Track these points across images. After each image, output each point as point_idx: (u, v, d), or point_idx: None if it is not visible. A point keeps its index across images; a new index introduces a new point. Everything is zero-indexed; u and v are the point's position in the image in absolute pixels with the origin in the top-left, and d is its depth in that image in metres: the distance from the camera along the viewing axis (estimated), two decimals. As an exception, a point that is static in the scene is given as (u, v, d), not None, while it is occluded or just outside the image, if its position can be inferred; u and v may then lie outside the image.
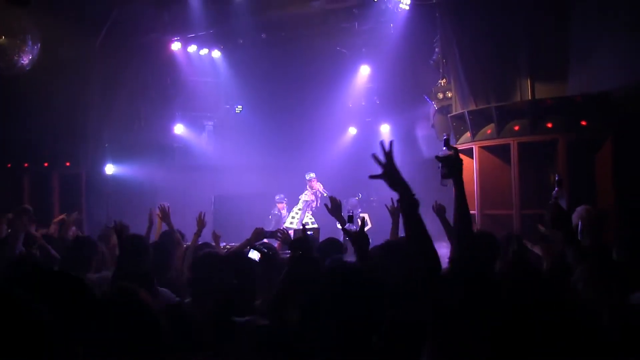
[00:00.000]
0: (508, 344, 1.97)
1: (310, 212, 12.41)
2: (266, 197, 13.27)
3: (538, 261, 4.43)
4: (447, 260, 3.09)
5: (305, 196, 12.46)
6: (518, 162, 7.30)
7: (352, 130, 13.81)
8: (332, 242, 4.79)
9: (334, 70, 12.44)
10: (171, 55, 12.41)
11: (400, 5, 10.08)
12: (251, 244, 5.26)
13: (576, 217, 4.73)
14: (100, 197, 10.94)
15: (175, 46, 12.29)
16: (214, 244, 6.29)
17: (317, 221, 11.94)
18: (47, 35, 8.79)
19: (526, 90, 7.71)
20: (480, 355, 2.05)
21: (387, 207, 4.88)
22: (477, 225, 7.52)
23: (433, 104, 9.71)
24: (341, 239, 4.91)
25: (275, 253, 4.76)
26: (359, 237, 3.42)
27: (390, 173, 2.56)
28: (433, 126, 9.96)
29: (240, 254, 4.62)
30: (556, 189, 4.18)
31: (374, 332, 2.26)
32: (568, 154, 7.02)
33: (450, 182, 3.01)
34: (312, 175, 12.34)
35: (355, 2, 10.61)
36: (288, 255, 4.06)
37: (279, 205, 12.59)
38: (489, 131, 7.74)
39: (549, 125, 7.21)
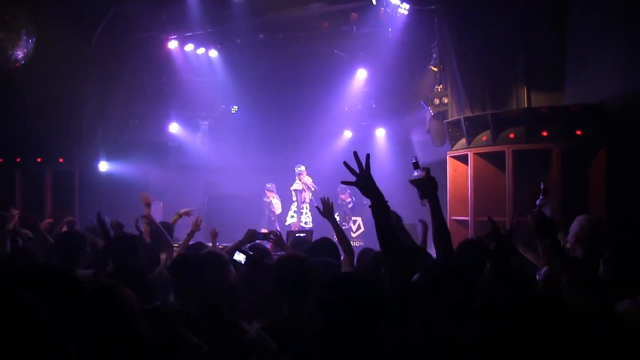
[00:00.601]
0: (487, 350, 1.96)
1: (308, 208, 12.43)
2: (260, 198, 13.27)
3: (532, 268, 4.42)
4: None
5: (296, 185, 12.52)
6: (513, 170, 7.30)
7: (348, 134, 13.81)
8: (323, 243, 4.75)
9: (331, 73, 12.45)
10: (168, 53, 12.38)
11: (399, 10, 10.09)
12: (243, 245, 5.26)
13: (576, 226, 4.72)
14: (93, 195, 10.87)
15: (172, 45, 12.26)
16: (209, 243, 6.25)
17: (315, 219, 11.99)
18: (43, 31, 8.76)
19: (522, 98, 7.72)
20: None
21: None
22: (470, 232, 7.53)
23: (429, 110, 9.71)
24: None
25: (266, 255, 4.73)
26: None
27: (364, 182, 2.77)
28: (429, 132, 9.96)
29: (222, 255, 4.58)
30: (541, 197, 4.18)
31: (370, 344, 2.27)
32: (562, 163, 7.03)
33: (427, 202, 3.13)
34: (302, 168, 12.40)
35: (354, 6, 10.61)
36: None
37: (269, 194, 12.64)
38: (484, 138, 7.75)
39: (544, 133, 7.21)
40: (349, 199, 12.30)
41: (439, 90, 9.49)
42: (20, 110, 10.41)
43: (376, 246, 3.86)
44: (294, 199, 12.72)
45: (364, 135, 13.34)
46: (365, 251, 5.00)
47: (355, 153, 2.90)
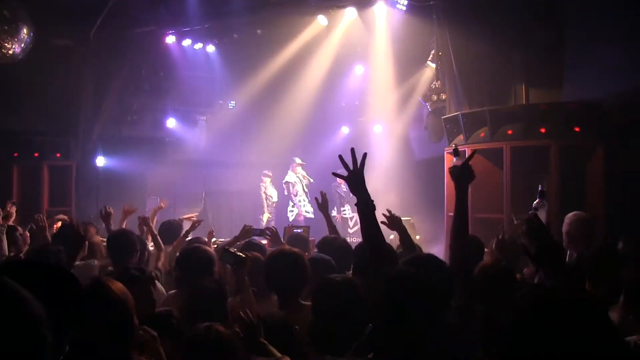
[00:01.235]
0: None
1: (308, 200, 12.43)
2: (257, 193, 13.26)
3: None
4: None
5: (289, 177, 12.54)
6: (510, 166, 7.31)
7: (345, 130, 13.79)
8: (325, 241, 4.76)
9: (329, 68, 12.41)
10: (165, 48, 12.33)
11: (397, 6, 10.06)
12: (239, 240, 5.26)
13: (566, 224, 4.73)
14: (90, 190, 10.87)
15: (170, 40, 12.21)
16: (206, 239, 6.26)
17: (316, 209, 12.01)
18: (40, 25, 8.72)
19: (520, 95, 7.73)
20: None
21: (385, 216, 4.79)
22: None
23: (427, 106, 9.71)
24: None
25: (262, 252, 4.72)
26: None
27: (355, 179, 2.91)
28: (426, 128, 9.95)
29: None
30: (538, 199, 4.14)
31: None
32: (561, 160, 7.04)
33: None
34: (297, 160, 12.41)
35: (352, 1, 10.58)
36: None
37: (264, 179, 12.66)
38: (482, 134, 7.75)
39: (543, 130, 7.22)
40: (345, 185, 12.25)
41: (437, 86, 9.49)
42: (17, 104, 10.39)
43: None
44: (286, 192, 12.71)
45: (362, 131, 13.32)
46: (360, 246, 5.00)
47: (352, 150, 3.03)
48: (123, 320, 2.39)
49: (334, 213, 11.71)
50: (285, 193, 12.72)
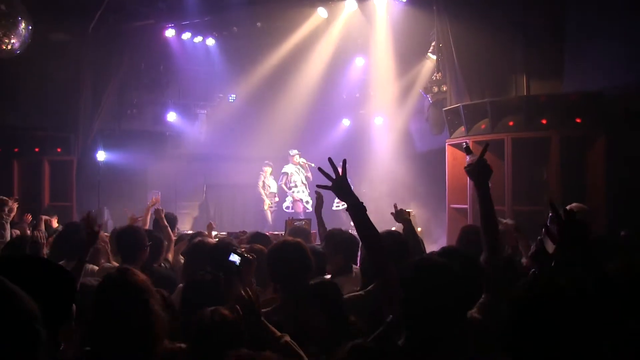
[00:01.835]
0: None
1: (308, 192, 12.41)
2: (257, 184, 13.24)
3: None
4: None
5: (287, 168, 12.53)
6: (512, 158, 7.30)
7: (346, 122, 13.77)
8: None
9: (329, 60, 12.38)
10: (165, 42, 12.31)
11: (398, -2, 10.05)
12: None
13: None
14: (91, 184, 10.87)
15: (169, 33, 12.19)
16: (206, 232, 6.27)
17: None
18: (39, 20, 8.70)
19: (521, 86, 7.72)
20: None
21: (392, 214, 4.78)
22: (469, 220, 7.54)
23: (428, 98, 9.70)
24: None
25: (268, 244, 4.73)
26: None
27: (339, 187, 2.95)
28: (427, 120, 9.95)
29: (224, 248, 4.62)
30: (547, 224, 3.96)
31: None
32: (561, 151, 7.04)
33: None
34: (292, 152, 12.40)
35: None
36: None
37: (264, 169, 12.65)
38: (483, 126, 7.74)
39: (544, 121, 7.21)
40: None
41: (438, 78, 9.47)
42: (17, 100, 10.38)
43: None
44: (281, 182, 12.68)
45: (362, 124, 13.31)
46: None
47: (329, 159, 3.05)
48: (146, 307, 2.43)
49: (340, 207, 11.72)
50: (280, 182, 12.70)
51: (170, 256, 5.28)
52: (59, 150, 10.59)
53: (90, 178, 10.92)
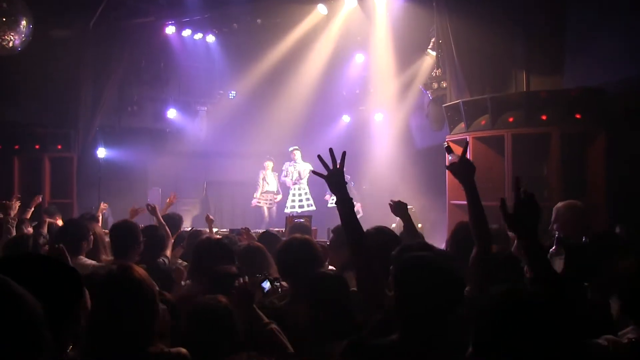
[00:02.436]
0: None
1: (305, 191, 12.41)
2: (257, 181, 13.24)
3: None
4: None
5: (287, 165, 12.54)
6: (512, 154, 7.29)
7: (346, 119, 13.77)
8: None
9: (329, 57, 12.38)
10: (165, 39, 12.32)
11: (398, -7, 10.03)
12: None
13: (554, 213, 4.66)
14: (92, 181, 10.87)
15: (170, 30, 12.19)
16: (207, 229, 6.28)
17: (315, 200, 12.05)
18: (40, 17, 8.69)
19: (521, 82, 7.71)
20: None
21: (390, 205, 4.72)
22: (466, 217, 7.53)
23: (428, 94, 9.68)
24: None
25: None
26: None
27: (336, 179, 2.97)
28: (427, 116, 9.93)
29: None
30: (555, 246, 3.88)
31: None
32: (562, 147, 7.03)
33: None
34: (295, 148, 12.41)
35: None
36: None
37: (265, 163, 12.66)
38: (483, 122, 7.73)
39: (544, 117, 7.20)
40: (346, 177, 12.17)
41: (438, 74, 9.45)
42: (17, 97, 10.38)
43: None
44: (283, 178, 12.69)
45: (362, 120, 13.30)
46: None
47: (330, 150, 3.05)
48: (148, 303, 2.47)
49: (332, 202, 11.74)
50: (282, 178, 12.72)
51: (168, 253, 5.30)
52: (59, 147, 10.59)
53: (91, 175, 10.92)
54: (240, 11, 11.41)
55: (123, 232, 4.56)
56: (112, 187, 11.12)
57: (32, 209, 6.99)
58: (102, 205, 7.86)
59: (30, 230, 6.01)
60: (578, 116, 7.11)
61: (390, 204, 4.44)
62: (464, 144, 3.09)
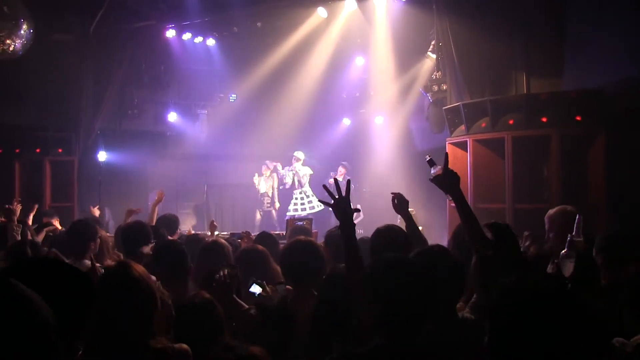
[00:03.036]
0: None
1: (306, 194, 12.41)
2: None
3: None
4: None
5: (286, 169, 12.54)
6: (512, 156, 7.30)
7: (346, 121, 13.78)
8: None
9: (329, 60, 12.40)
10: (165, 42, 12.33)
11: (397, -4, 10.05)
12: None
13: (546, 219, 4.63)
14: (92, 185, 10.88)
15: (170, 34, 12.21)
16: (209, 233, 6.28)
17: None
18: (40, 20, 8.71)
19: (521, 85, 7.72)
20: None
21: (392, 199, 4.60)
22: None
23: (428, 96, 9.69)
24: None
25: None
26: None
27: (343, 208, 2.97)
28: (427, 119, 9.94)
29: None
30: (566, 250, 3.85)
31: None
32: (562, 149, 7.03)
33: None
34: (299, 154, 12.41)
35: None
36: None
37: (264, 167, 12.66)
38: (483, 124, 7.74)
39: (544, 119, 7.20)
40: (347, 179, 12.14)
41: (438, 77, 9.46)
42: (18, 100, 10.39)
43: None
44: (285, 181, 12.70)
45: (363, 123, 13.32)
46: (363, 240, 5.00)
47: (335, 180, 3.21)
48: (147, 300, 2.51)
49: None
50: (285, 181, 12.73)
51: None
52: (60, 150, 10.60)
53: (92, 178, 10.93)
54: (241, 15, 11.42)
55: (133, 233, 4.61)
56: (113, 191, 11.13)
57: (32, 214, 6.99)
58: (94, 210, 7.79)
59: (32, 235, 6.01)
60: (578, 118, 7.11)
61: (392, 197, 4.37)
62: (445, 156, 3.10)
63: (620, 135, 6.85)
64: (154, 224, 5.78)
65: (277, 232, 7.55)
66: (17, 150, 10.31)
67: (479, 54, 8.02)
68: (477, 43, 7.98)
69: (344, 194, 3.00)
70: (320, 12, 11.27)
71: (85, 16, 10.44)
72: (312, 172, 12.63)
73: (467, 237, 2.93)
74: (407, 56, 10.97)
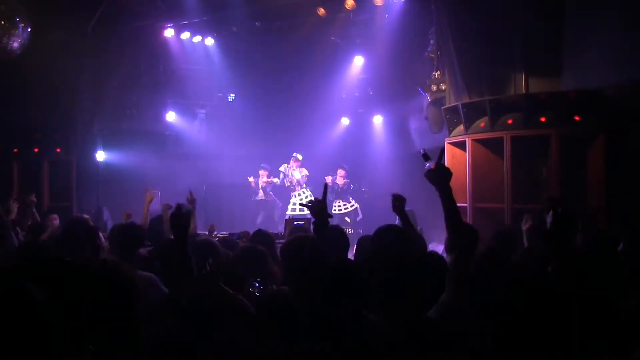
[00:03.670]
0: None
1: (309, 195, 12.40)
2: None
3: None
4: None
5: (283, 168, 12.53)
6: (511, 156, 7.29)
7: (345, 121, 13.78)
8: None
9: (328, 60, 12.40)
10: (164, 42, 12.32)
11: (396, -4, 10.05)
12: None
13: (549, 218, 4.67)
14: (91, 184, 10.87)
15: (168, 33, 12.20)
16: (207, 233, 6.28)
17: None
18: (38, 20, 8.70)
19: (520, 84, 7.70)
20: None
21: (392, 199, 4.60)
22: (469, 218, 7.54)
23: (427, 96, 9.69)
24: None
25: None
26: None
27: (318, 209, 3.41)
28: (426, 118, 9.94)
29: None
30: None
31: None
32: (561, 149, 7.03)
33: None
34: (299, 157, 12.40)
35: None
36: None
37: (260, 172, 12.66)
38: (482, 124, 7.73)
39: (543, 119, 7.20)
40: (345, 181, 12.17)
41: (437, 76, 9.46)
42: (16, 100, 10.37)
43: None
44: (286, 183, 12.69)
45: (361, 122, 13.31)
46: (364, 238, 5.00)
47: (325, 185, 3.67)
48: (132, 299, 2.44)
49: (342, 210, 11.83)
50: (285, 182, 12.72)
51: None
52: (58, 150, 10.59)
53: (90, 178, 10.92)
54: (239, 14, 11.41)
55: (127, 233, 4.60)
56: (111, 191, 11.11)
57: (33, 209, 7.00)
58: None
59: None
60: (577, 118, 7.11)
61: (392, 198, 4.39)
62: (440, 150, 3.10)
63: (619, 135, 6.85)
64: (147, 225, 5.76)
65: (276, 232, 7.54)
66: (15, 150, 10.31)
67: (477, 53, 8.01)
68: (476, 42, 7.97)
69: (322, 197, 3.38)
70: (320, 11, 11.25)
71: (83, 16, 10.43)
72: (307, 173, 12.63)
73: (449, 233, 2.95)
74: (406, 56, 10.97)
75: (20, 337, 1.27)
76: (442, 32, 8.68)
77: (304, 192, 12.51)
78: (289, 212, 12.18)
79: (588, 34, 7.19)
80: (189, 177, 13.17)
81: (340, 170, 12.08)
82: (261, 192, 12.79)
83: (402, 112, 11.93)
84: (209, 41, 12.82)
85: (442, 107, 8.67)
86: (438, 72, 9.44)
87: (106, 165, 11.25)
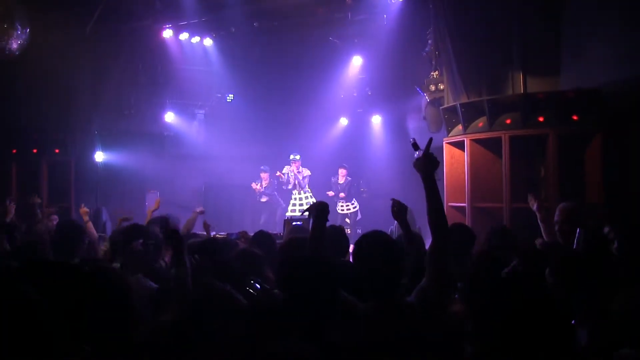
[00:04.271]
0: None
1: (305, 195, 12.41)
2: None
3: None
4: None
5: (287, 170, 12.53)
6: (509, 156, 7.30)
7: (344, 121, 13.79)
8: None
9: (326, 60, 12.40)
10: (162, 42, 12.33)
11: (394, -4, 10.06)
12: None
13: (557, 214, 4.74)
14: (90, 185, 10.87)
15: (167, 34, 12.20)
16: (204, 233, 6.28)
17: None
18: (37, 21, 8.71)
19: (518, 84, 7.71)
20: None
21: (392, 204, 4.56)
22: (467, 218, 7.55)
23: (425, 96, 9.69)
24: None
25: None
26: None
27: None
28: (424, 118, 9.94)
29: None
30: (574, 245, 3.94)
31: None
32: (559, 148, 7.03)
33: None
34: (297, 157, 12.40)
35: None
36: None
37: (262, 175, 12.67)
38: (480, 124, 7.74)
39: (541, 119, 7.21)
40: (347, 179, 12.18)
41: (435, 76, 9.47)
42: (15, 101, 10.39)
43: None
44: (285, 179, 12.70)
45: (360, 122, 13.32)
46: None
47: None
48: (125, 300, 2.45)
49: (345, 210, 11.84)
50: (283, 183, 12.73)
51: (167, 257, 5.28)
52: (57, 151, 10.60)
53: (89, 179, 10.93)
54: (238, 15, 11.42)
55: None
56: (110, 191, 11.13)
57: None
58: (82, 210, 7.73)
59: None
60: (575, 117, 7.11)
61: (392, 203, 4.33)
62: (429, 140, 3.13)
63: (617, 134, 6.86)
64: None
65: (275, 232, 7.54)
66: (14, 151, 10.30)
67: (476, 53, 8.02)
68: (474, 42, 7.97)
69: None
70: (318, 12, 11.26)
71: (81, 17, 10.43)
72: (309, 174, 12.64)
73: (430, 222, 2.96)
74: (404, 55, 10.98)
75: (18, 338, 1.28)
76: (440, 31, 8.69)
77: (304, 193, 12.52)
78: (288, 213, 12.19)
79: (586, 34, 7.20)
80: (188, 178, 13.20)
81: (342, 169, 12.10)
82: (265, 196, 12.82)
83: (400, 111, 11.94)
84: (208, 42, 12.83)
85: (441, 107, 8.68)
86: (436, 72, 9.45)
87: (105, 165, 11.25)
